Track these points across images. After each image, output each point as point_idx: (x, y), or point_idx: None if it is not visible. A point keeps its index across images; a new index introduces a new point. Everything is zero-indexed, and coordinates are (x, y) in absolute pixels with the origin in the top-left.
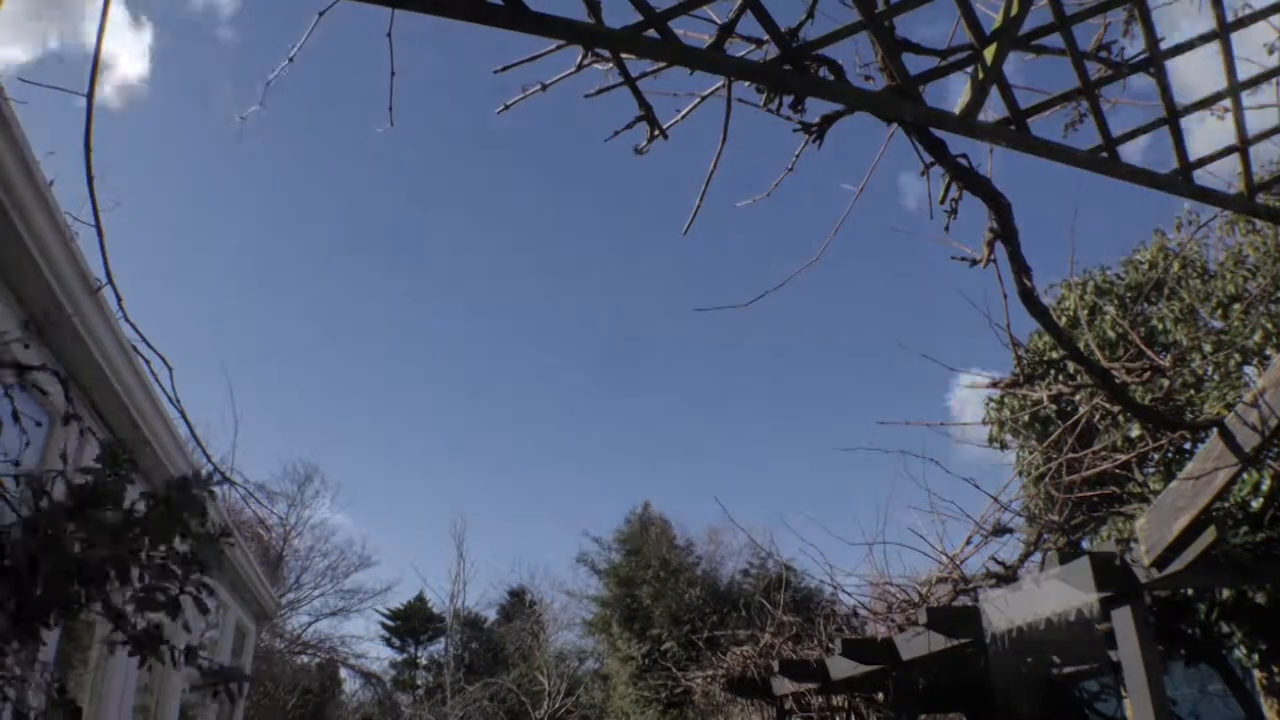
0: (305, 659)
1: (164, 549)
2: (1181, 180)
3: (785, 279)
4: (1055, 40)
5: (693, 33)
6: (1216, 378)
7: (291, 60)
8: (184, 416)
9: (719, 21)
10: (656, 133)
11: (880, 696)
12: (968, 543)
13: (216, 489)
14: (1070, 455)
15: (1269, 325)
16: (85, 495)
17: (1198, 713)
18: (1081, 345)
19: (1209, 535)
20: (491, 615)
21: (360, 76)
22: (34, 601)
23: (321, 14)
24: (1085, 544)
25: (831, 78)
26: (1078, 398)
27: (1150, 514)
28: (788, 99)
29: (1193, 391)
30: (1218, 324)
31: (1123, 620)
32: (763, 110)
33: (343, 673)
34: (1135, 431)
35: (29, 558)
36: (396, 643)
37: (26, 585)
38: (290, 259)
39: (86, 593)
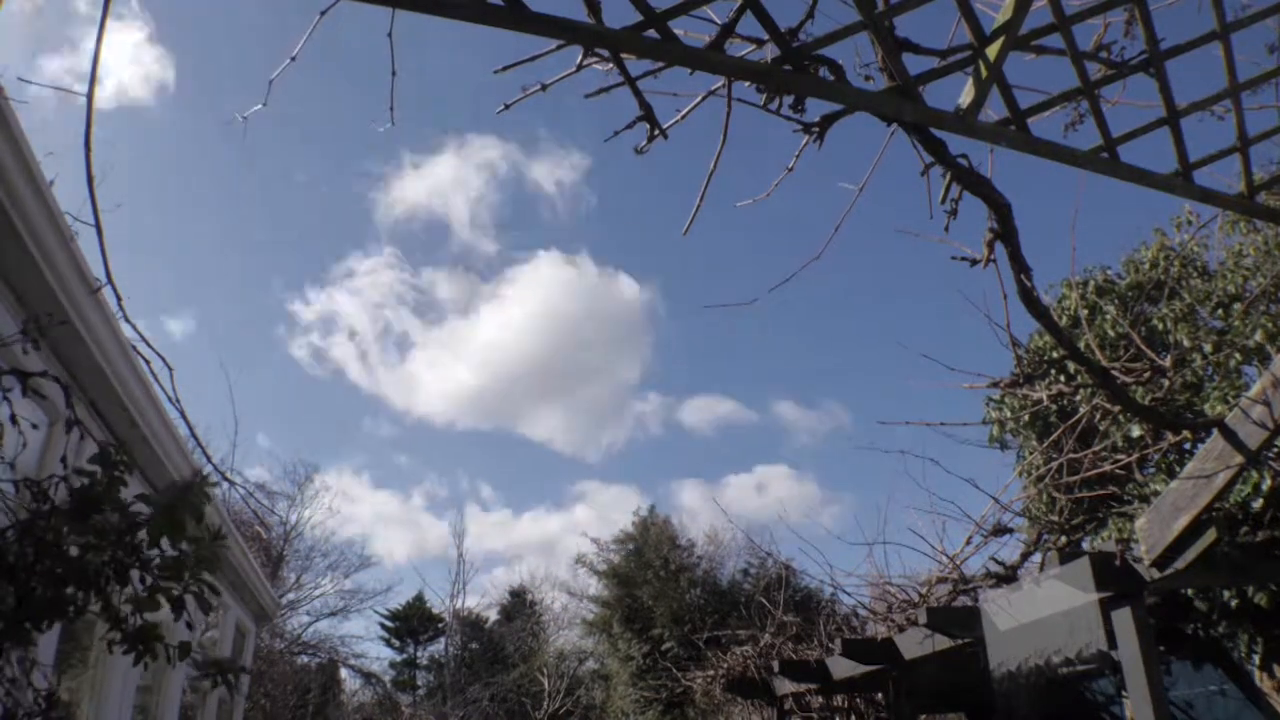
0: (305, 659)
1: (160, 551)
2: (1181, 180)
3: (788, 275)
4: (1055, 40)
5: (693, 33)
6: (1217, 378)
7: (293, 59)
8: (184, 416)
9: (719, 21)
10: (656, 132)
11: (880, 696)
12: (968, 543)
13: (214, 490)
14: (1070, 455)
15: (1269, 325)
16: (81, 498)
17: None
18: (1082, 345)
19: (1209, 535)
20: (492, 615)
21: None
22: (29, 604)
23: (323, 13)
24: (1085, 544)
25: (831, 78)
26: (1078, 398)
27: (1150, 514)
28: (788, 99)
29: (1191, 393)
30: (1218, 324)
31: (1123, 620)
32: (763, 110)
33: (343, 673)
34: (1136, 431)
35: (24, 560)
36: (396, 643)
37: (21, 588)
38: (289, 254)
39: (83, 594)
